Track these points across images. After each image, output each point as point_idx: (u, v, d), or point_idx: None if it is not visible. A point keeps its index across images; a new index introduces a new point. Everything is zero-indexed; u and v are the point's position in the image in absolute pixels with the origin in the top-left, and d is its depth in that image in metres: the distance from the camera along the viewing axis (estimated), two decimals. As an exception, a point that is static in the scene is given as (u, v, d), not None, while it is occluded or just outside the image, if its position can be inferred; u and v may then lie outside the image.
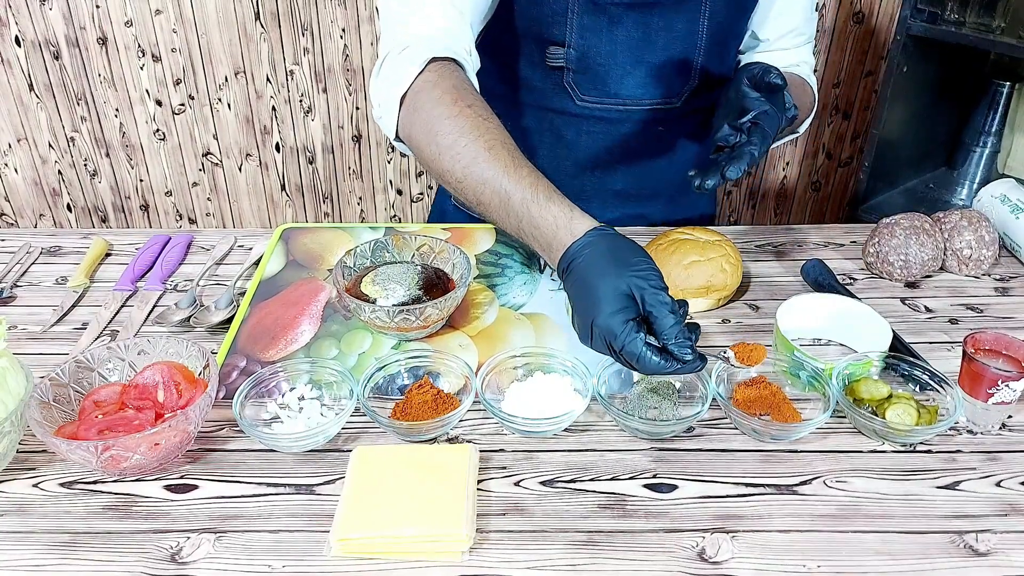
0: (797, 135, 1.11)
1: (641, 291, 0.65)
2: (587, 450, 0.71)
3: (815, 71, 1.18)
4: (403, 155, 1.92)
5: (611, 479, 0.68)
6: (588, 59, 0.95)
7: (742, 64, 1.05)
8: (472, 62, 0.87)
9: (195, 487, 0.67)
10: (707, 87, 1.00)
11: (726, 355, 0.71)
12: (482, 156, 0.75)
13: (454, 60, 0.84)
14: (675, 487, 0.67)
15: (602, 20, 0.92)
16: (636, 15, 0.92)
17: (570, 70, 0.96)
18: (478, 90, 0.84)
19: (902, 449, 0.72)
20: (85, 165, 2.13)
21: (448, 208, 1.17)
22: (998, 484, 0.68)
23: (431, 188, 2.12)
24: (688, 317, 0.89)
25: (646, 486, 0.67)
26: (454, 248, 0.90)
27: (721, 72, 1.03)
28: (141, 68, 1.98)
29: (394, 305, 0.82)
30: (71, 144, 2.09)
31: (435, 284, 0.86)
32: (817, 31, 1.98)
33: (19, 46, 1.94)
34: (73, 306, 0.91)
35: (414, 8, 0.85)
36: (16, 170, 2.13)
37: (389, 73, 0.84)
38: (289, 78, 2.01)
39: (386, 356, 0.78)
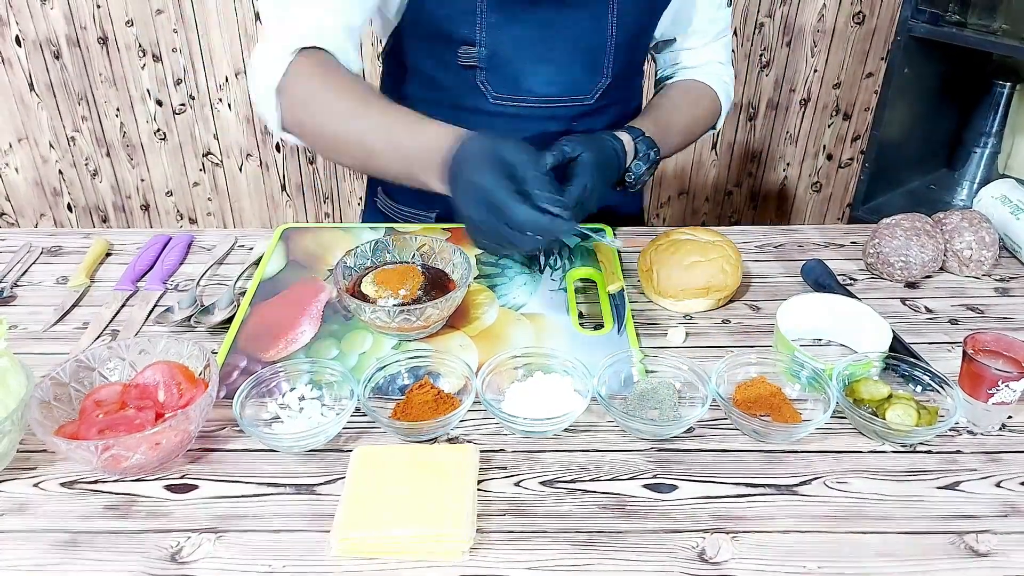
0: (714, 131, 1.17)
1: (524, 168, 0.71)
2: (587, 450, 0.71)
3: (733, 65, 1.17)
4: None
5: (611, 479, 0.68)
6: (498, 57, 0.96)
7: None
8: (345, 50, 0.90)
9: (195, 487, 0.67)
10: (619, 84, 1.03)
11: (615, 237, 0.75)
12: (359, 108, 0.83)
13: (323, 49, 0.88)
14: (675, 487, 0.67)
15: (508, 16, 0.93)
16: (542, 11, 0.94)
17: (482, 69, 0.97)
18: (354, 74, 0.89)
19: (902, 450, 0.72)
20: (86, 165, 2.13)
21: (378, 206, 1.18)
22: (998, 485, 0.68)
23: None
24: (688, 317, 0.89)
25: (646, 486, 0.67)
26: (454, 248, 0.90)
27: (632, 69, 1.06)
28: (142, 68, 1.98)
29: (394, 305, 0.82)
30: (72, 144, 2.09)
31: (435, 284, 0.86)
32: (820, 32, 1.98)
33: (20, 46, 1.94)
34: (74, 306, 0.91)
35: (287, 3, 0.88)
36: (17, 170, 2.13)
37: (259, 68, 0.88)
38: (290, 78, 2.01)
39: (386, 356, 0.78)
